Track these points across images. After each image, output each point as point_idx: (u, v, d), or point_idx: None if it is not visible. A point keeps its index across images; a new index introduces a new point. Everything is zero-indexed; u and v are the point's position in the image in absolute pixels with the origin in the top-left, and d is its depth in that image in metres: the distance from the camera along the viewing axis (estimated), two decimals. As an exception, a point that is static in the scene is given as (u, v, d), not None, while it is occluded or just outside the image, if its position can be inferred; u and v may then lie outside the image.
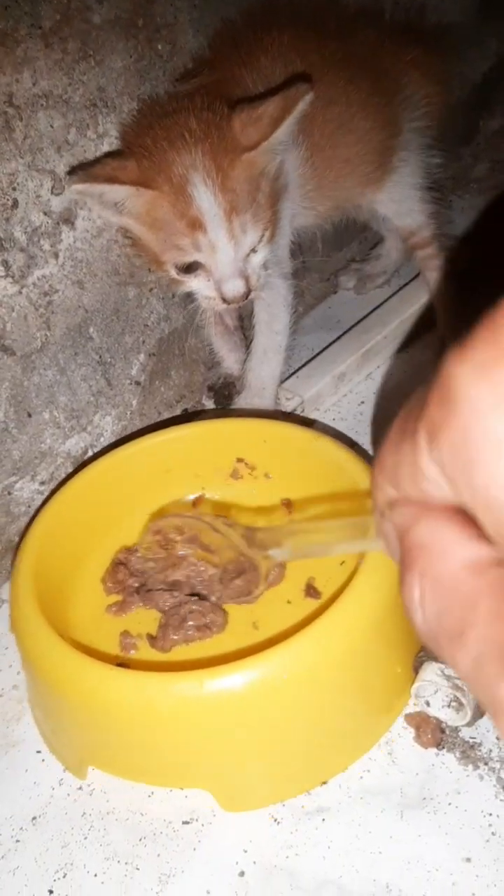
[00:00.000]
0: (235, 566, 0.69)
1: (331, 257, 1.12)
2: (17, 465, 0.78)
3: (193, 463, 0.77)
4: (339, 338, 0.96)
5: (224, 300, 0.72)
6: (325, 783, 0.58)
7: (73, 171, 0.72)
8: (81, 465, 0.80)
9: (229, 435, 0.77)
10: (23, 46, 0.68)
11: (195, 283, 0.73)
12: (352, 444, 0.83)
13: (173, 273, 0.72)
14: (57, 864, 0.57)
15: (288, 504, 0.75)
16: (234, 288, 0.71)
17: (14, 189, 0.70)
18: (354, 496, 0.66)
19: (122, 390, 0.87)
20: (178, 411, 0.95)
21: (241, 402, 0.90)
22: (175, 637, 0.65)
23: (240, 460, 0.77)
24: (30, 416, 0.78)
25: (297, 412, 0.90)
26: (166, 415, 0.93)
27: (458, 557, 0.27)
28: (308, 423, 0.87)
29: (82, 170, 0.71)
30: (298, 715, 0.56)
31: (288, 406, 0.90)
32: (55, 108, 0.72)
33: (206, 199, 0.68)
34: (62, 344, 0.79)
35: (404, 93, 0.87)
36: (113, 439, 0.87)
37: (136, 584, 0.69)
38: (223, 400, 0.95)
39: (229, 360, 0.93)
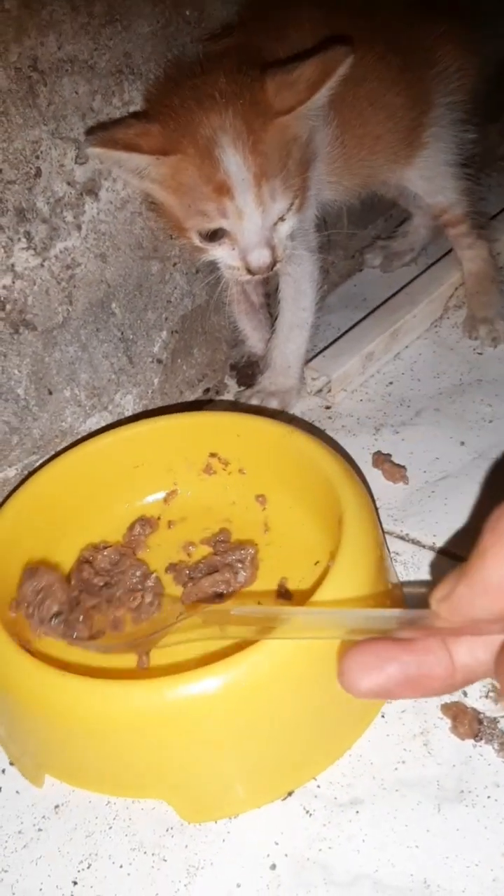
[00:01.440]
0: (208, 564, 0.67)
1: (357, 234, 1.09)
2: (37, 443, 0.76)
3: (165, 458, 0.75)
4: (367, 316, 0.93)
5: (249, 270, 0.69)
6: (290, 793, 0.56)
7: (91, 132, 0.69)
8: (51, 458, 0.76)
9: (202, 429, 0.74)
10: (48, 9, 0.65)
11: (219, 252, 0.70)
12: (325, 439, 0.80)
13: (196, 241, 0.70)
14: (81, 855, 0.55)
15: (262, 499, 0.73)
16: (260, 257, 0.68)
17: (37, 157, 0.68)
18: (328, 492, 0.63)
19: (143, 368, 0.84)
20: (199, 390, 0.93)
21: (264, 381, 0.88)
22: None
23: (213, 455, 0.74)
24: (50, 393, 0.75)
25: (324, 392, 0.88)
26: (188, 394, 0.91)
27: None
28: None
29: (103, 130, 0.68)
30: (261, 725, 0.54)
31: (314, 386, 0.88)
32: (80, 73, 0.69)
33: (234, 162, 0.65)
34: (84, 319, 0.76)
35: (437, 67, 0.84)
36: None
37: (101, 583, 0.67)
38: (246, 379, 0.92)
39: (253, 339, 0.91)
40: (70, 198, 0.72)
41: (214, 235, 0.68)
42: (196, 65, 0.70)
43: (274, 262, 0.68)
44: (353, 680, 0.38)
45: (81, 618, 0.61)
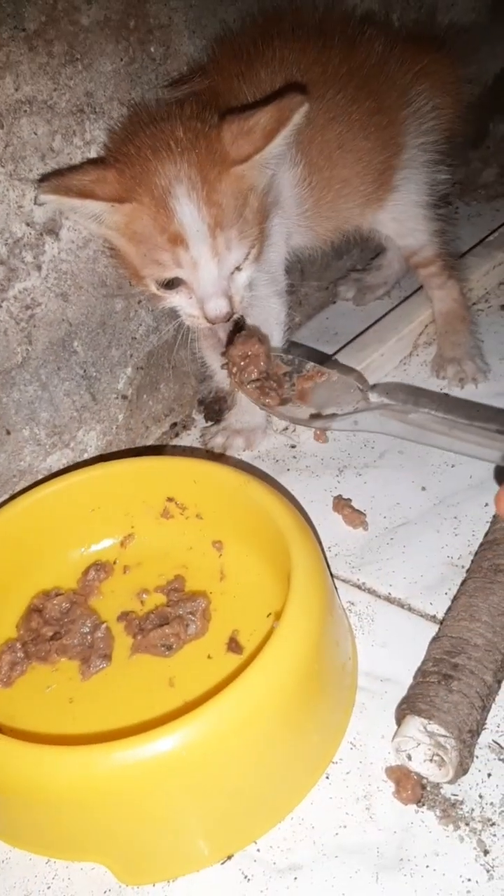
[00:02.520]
0: (159, 614, 0.67)
1: (330, 265, 1.08)
2: (-6, 483, 0.75)
3: (122, 501, 0.74)
4: (335, 353, 0.92)
5: (207, 319, 0.68)
6: (230, 857, 0.55)
7: (46, 179, 0.68)
8: (8, 499, 0.76)
9: (159, 474, 0.73)
10: (5, 50, 0.65)
11: (177, 300, 0.69)
12: (289, 480, 0.82)
13: (153, 288, 0.69)
14: (17, 914, 0.55)
15: (219, 545, 0.72)
16: (217, 307, 0.67)
17: (-6, 200, 0.67)
18: (281, 544, 0.63)
19: (107, 405, 0.84)
20: (166, 425, 0.92)
21: (231, 418, 0.87)
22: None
23: (170, 500, 0.74)
24: (8, 433, 0.75)
25: (289, 431, 0.87)
26: (154, 429, 0.91)
27: None
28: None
29: (58, 177, 0.67)
30: (203, 790, 0.53)
31: (280, 425, 0.87)
32: (39, 114, 0.69)
33: (189, 212, 0.64)
34: (44, 359, 0.76)
35: (411, 107, 0.83)
36: (97, 454, 0.84)
37: (50, 633, 0.66)
38: (214, 414, 0.92)
39: (221, 375, 0.90)
40: (29, 238, 0.71)
41: (171, 284, 0.67)
42: (156, 110, 0.69)
43: (231, 312, 0.68)
44: None
45: (275, 385, 0.69)
